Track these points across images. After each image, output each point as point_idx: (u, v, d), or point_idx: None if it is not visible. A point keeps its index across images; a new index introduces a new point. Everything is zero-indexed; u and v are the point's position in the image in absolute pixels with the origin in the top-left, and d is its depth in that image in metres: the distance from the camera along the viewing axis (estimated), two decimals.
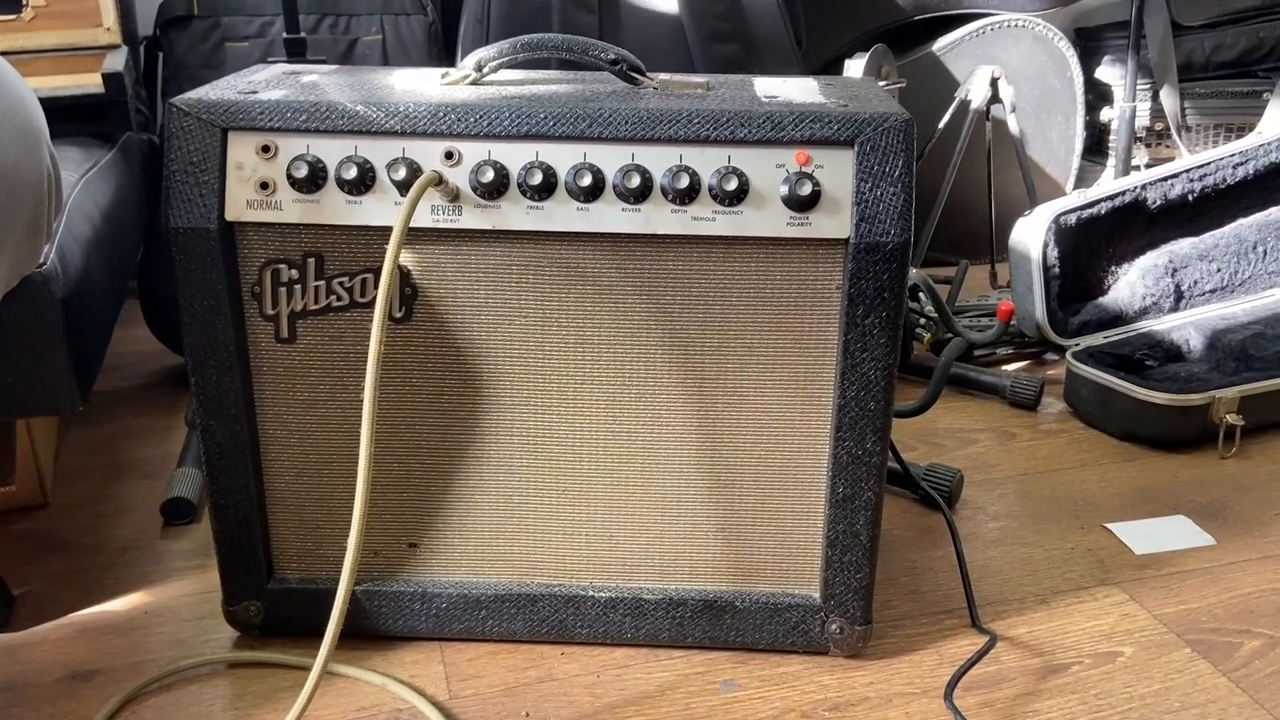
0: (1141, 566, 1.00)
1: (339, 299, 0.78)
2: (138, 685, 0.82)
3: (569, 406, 0.80)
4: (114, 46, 1.29)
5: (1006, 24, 1.83)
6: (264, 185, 0.75)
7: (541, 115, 0.74)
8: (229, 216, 0.75)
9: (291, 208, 0.75)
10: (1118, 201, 1.45)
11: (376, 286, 0.76)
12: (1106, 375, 1.26)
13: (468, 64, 0.83)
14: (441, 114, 0.74)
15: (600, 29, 1.52)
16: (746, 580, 0.85)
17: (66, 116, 1.19)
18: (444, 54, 1.58)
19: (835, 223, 0.74)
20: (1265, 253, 1.47)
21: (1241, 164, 1.47)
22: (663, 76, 0.87)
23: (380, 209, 0.75)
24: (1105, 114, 1.93)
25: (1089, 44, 1.96)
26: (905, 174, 0.73)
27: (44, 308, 0.82)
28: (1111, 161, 1.89)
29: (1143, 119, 1.90)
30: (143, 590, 0.95)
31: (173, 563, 1.00)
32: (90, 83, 1.23)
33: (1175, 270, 1.45)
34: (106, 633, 0.89)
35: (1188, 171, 1.46)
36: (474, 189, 0.74)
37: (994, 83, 1.65)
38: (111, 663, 0.85)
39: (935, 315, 1.44)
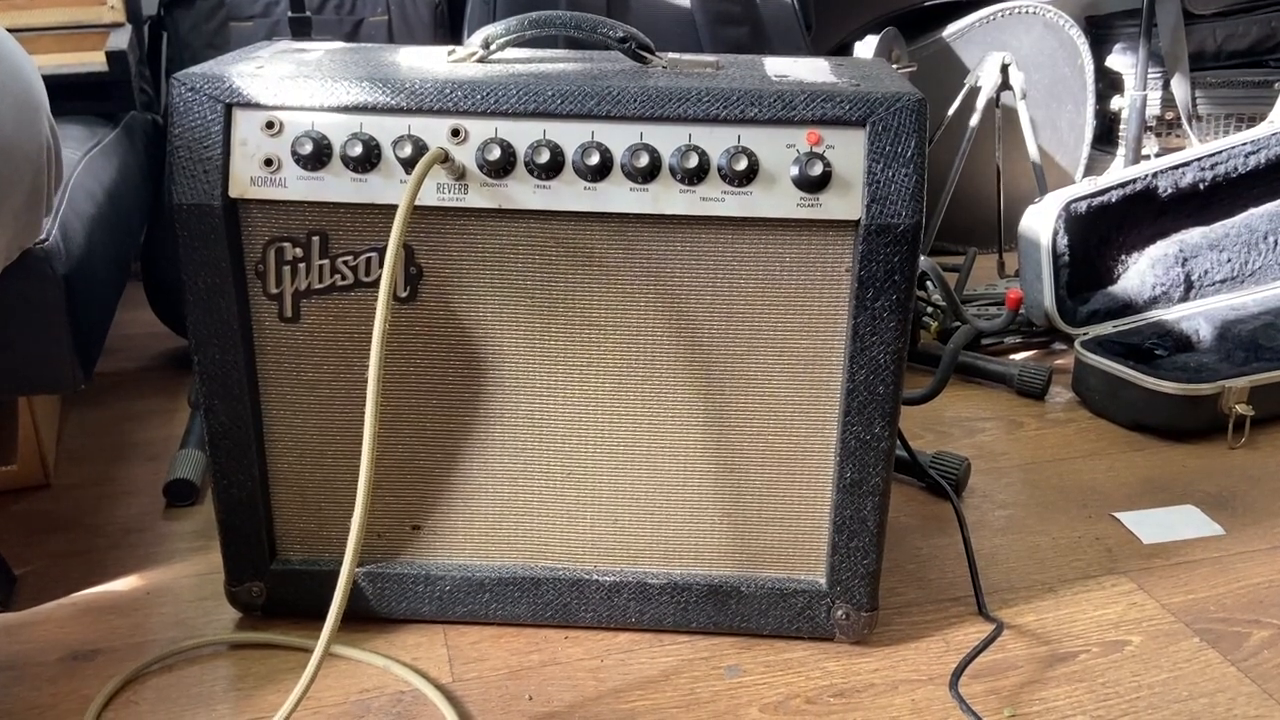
0: (1150, 556, 0.99)
1: (343, 278, 0.77)
2: (139, 665, 0.81)
3: (574, 388, 0.80)
4: (118, 25, 1.28)
5: (1017, 10, 1.81)
6: (268, 162, 0.74)
7: (549, 93, 0.73)
8: (233, 193, 0.74)
9: (296, 185, 0.74)
10: (1128, 189, 1.43)
11: (381, 266, 0.76)
12: (1115, 364, 1.25)
13: (475, 41, 0.82)
14: (448, 91, 0.73)
15: (608, 9, 1.51)
16: (752, 565, 0.84)
17: (70, 95, 1.18)
18: (450, 35, 1.57)
19: (846, 204, 0.73)
20: (1276, 243, 1.45)
21: (1253, 153, 1.45)
22: (672, 55, 0.86)
23: (386, 187, 0.74)
24: (1116, 102, 1.92)
25: (1100, 31, 1.94)
26: (917, 155, 0.72)
27: (46, 284, 0.81)
28: (1121, 150, 1.88)
29: (1153, 108, 1.89)
30: (145, 571, 0.95)
31: (175, 544, 0.99)
32: (94, 61, 1.23)
33: (1185, 260, 1.44)
34: (108, 613, 0.89)
35: (1199, 160, 1.45)
36: (480, 167, 0.73)
37: (1004, 69, 1.64)
38: (113, 643, 0.85)
39: (943, 303, 1.43)
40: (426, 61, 0.81)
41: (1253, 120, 1.88)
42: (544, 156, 0.72)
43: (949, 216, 1.72)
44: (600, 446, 0.81)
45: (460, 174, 0.74)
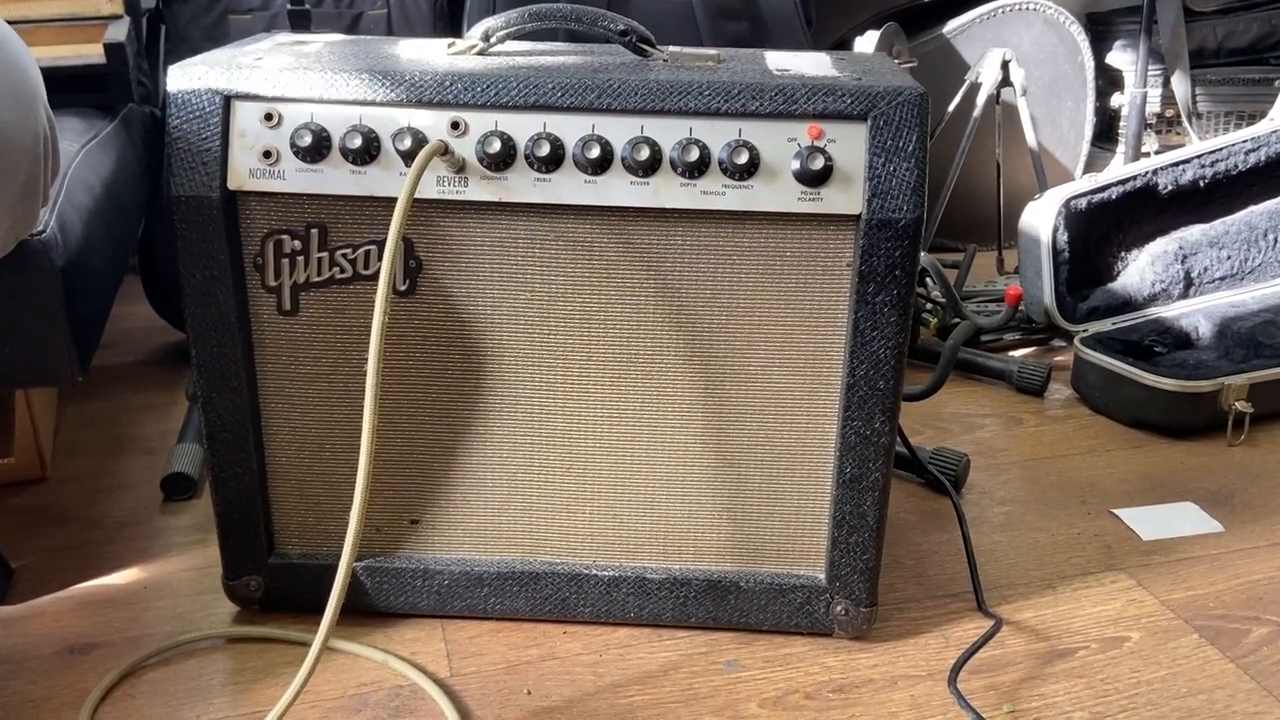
0: (1149, 552, 0.99)
1: (342, 271, 0.77)
2: (136, 659, 0.81)
3: (574, 383, 0.79)
4: (116, 17, 1.28)
5: (1018, 7, 1.81)
6: (267, 154, 0.73)
7: (549, 86, 0.72)
8: (231, 185, 0.74)
9: (295, 177, 0.74)
10: (1129, 186, 1.43)
11: (380, 259, 0.75)
12: (1115, 361, 1.25)
13: (475, 33, 0.82)
14: (448, 83, 0.73)
15: (609, 3, 1.50)
16: (751, 560, 0.84)
17: (68, 87, 1.18)
18: (449, 28, 1.57)
19: (847, 198, 0.73)
20: (1276, 240, 1.45)
21: (1254, 150, 1.45)
22: (673, 49, 0.85)
23: (385, 180, 0.74)
24: (1116, 99, 1.91)
25: (1100, 28, 1.94)
26: (919, 149, 0.72)
27: (43, 277, 0.81)
28: (1121, 148, 1.88)
29: (1154, 105, 1.88)
30: (142, 565, 0.95)
31: (172, 537, 0.99)
32: (92, 53, 1.22)
33: (1185, 257, 1.44)
34: (105, 606, 0.89)
35: (1199, 157, 1.45)
36: (480, 160, 0.73)
37: (1005, 66, 1.63)
38: (110, 636, 0.85)
39: (943, 299, 1.42)
40: (426, 54, 0.81)
41: (1253, 118, 1.88)
42: (544, 149, 0.72)
43: (949, 213, 1.71)
44: (599, 440, 0.81)
45: (460, 167, 0.73)
